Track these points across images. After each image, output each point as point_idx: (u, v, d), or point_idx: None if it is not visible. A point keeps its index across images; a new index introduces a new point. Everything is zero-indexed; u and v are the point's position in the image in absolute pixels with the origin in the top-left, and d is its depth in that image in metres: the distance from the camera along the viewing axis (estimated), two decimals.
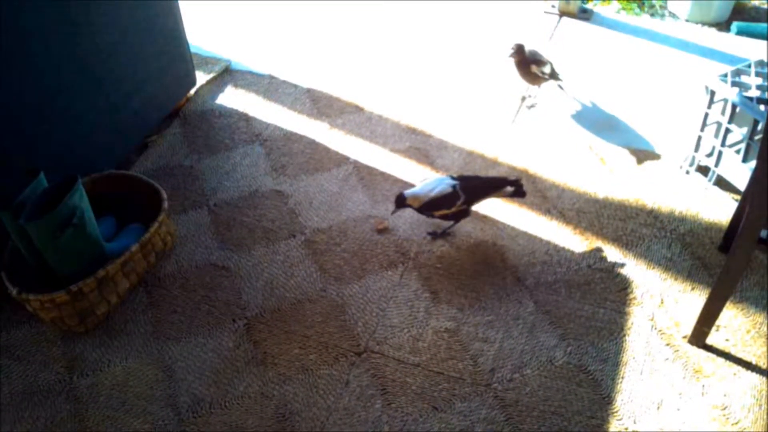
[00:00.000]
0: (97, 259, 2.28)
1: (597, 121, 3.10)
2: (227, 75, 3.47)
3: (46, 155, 2.43)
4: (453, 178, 2.49)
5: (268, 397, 2.12)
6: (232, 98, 3.31)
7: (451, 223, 2.57)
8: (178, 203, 2.77)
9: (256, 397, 2.12)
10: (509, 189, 2.52)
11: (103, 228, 2.43)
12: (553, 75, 3.10)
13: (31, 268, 2.30)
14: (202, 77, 3.38)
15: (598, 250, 2.52)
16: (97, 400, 2.14)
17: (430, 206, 2.48)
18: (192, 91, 3.30)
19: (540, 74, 3.07)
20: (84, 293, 2.21)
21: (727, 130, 2.57)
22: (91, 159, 2.65)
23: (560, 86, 3.21)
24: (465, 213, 2.52)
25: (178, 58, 3.06)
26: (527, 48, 3.08)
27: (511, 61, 3.09)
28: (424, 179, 2.57)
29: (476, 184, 2.50)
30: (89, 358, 2.26)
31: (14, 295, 2.19)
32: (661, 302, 2.34)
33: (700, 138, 2.71)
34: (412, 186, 2.59)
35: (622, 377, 2.14)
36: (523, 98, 3.23)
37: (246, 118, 3.19)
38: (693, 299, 2.34)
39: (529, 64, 3.07)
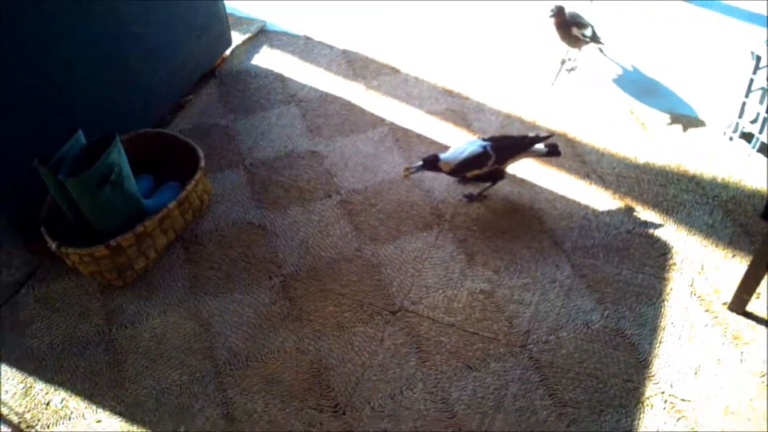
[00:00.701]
0: (136, 216, 2.30)
1: (638, 85, 3.04)
2: (262, 36, 3.46)
3: (83, 114, 2.44)
4: (484, 139, 2.47)
5: (304, 352, 2.14)
6: (267, 59, 3.30)
7: (488, 185, 2.55)
8: (215, 162, 2.78)
9: (292, 351, 2.14)
10: (543, 148, 2.49)
11: (140, 185, 2.44)
12: (594, 38, 3.05)
13: (70, 222, 2.32)
14: (237, 38, 3.37)
15: (638, 215, 2.48)
16: (135, 351, 2.18)
17: (461, 168, 2.46)
18: (227, 52, 3.30)
19: (581, 37, 3.01)
20: (122, 248, 2.24)
21: None
22: (128, 118, 2.66)
23: (601, 50, 3.15)
24: (499, 174, 2.50)
25: (213, 18, 3.06)
26: (568, 10, 3.02)
27: (551, 23, 3.04)
28: (456, 146, 2.54)
29: (507, 143, 2.47)
30: (128, 311, 2.29)
31: (54, 249, 2.22)
32: (701, 269, 2.30)
33: (744, 104, 2.65)
34: (448, 148, 2.57)
35: (660, 342, 2.12)
36: (563, 61, 3.18)
37: (281, 79, 3.18)
38: (734, 266, 2.30)
39: (569, 26, 3.01)
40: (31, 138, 2.26)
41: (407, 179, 2.64)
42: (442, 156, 2.47)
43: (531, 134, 2.49)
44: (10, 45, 2.10)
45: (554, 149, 2.50)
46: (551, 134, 2.50)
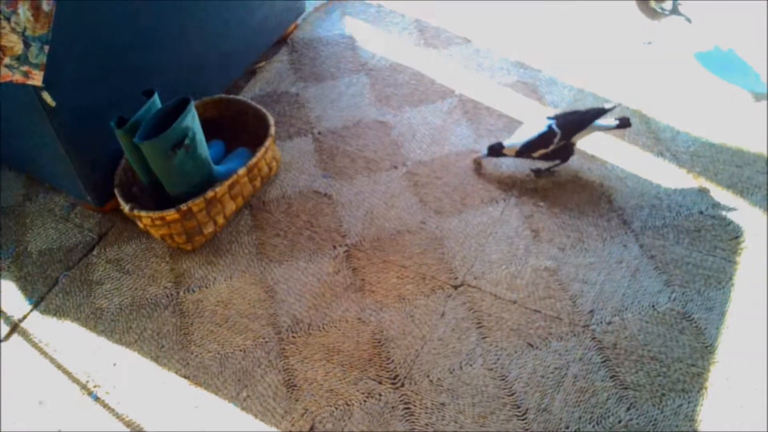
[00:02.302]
0: (206, 181, 2.34)
1: (719, 62, 2.93)
2: (335, 3, 3.44)
3: (159, 78, 2.48)
4: (549, 117, 2.43)
5: (365, 322, 2.16)
6: (339, 27, 3.29)
7: (558, 161, 2.51)
8: (284, 130, 2.80)
9: (353, 322, 2.17)
10: (613, 122, 2.42)
11: (212, 151, 2.49)
12: (675, 11, 2.93)
13: (143, 186, 2.38)
14: (310, 5, 3.37)
15: (711, 196, 2.41)
16: (201, 315, 2.23)
17: (527, 149, 2.44)
18: (300, 19, 3.30)
19: (659, 10, 2.92)
20: (193, 212, 2.29)
21: None
22: (202, 83, 2.70)
23: (688, 20, 2.99)
24: (568, 150, 2.46)
25: None
26: None
27: None
28: (520, 130, 2.51)
29: (572, 119, 2.42)
30: (195, 275, 2.34)
31: (127, 212, 2.28)
32: None
33: None
34: (519, 123, 2.54)
35: (728, 327, 2.07)
36: (642, 34, 3.08)
37: (352, 47, 3.17)
38: None
39: None
40: (108, 100, 2.31)
41: (475, 156, 2.61)
42: (506, 143, 2.46)
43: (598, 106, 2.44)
44: (90, 8, 2.14)
45: (625, 121, 2.42)
46: (617, 104, 2.43)
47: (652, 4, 2.91)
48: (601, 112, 2.40)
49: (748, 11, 3.18)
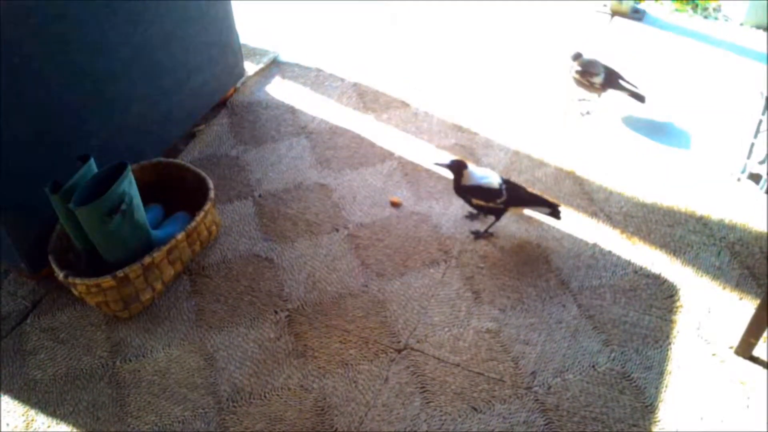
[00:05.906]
0: (144, 246, 2.30)
1: (649, 125, 3.04)
2: (275, 67, 3.48)
3: (96, 141, 2.46)
4: (503, 179, 2.48)
5: (308, 390, 2.13)
6: (279, 90, 3.32)
7: (493, 220, 2.55)
8: (224, 193, 2.78)
9: (295, 389, 2.13)
10: (546, 210, 2.51)
11: (150, 215, 2.45)
12: (611, 85, 3.02)
13: (78, 252, 2.33)
14: (250, 68, 3.39)
15: (645, 255, 2.48)
16: (138, 385, 2.17)
17: (472, 191, 2.49)
18: (240, 82, 3.32)
19: (586, 83, 3.02)
20: (130, 279, 2.24)
21: None
22: (139, 146, 2.68)
23: (636, 94, 3.07)
24: (501, 212, 2.52)
25: (227, 49, 3.08)
26: (586, 56, 3.03)
27: (569, 66, 3.06)
28: (483, 170, 2.55)
29: (520, 193, 2.50)
30: (132, 344, 2.28)
31: (61, 279, 2.22)
32: (708, 311, 2.30)
33: (753, 145, 2.65)
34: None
35: (666, 386, 2.10)
36: (579, 102, 3.17)
37: (292, 111, 3.19)
38: (741, 309, 2.29)
39: (579, 73, 3.03)
40: (42, 165, 2.27)
41: (414, 215, 2.64)
42: (470, 167, 2.49)
43: (542, 192, 2.52)
44: (26, 72, 2.12)
45: (556, 212, 2.51)
46: (559, 204, 2.50)
47: (578, 77, 3.01)
48: (545, 203, 2.49)
49: (674, 77, 3.32)
